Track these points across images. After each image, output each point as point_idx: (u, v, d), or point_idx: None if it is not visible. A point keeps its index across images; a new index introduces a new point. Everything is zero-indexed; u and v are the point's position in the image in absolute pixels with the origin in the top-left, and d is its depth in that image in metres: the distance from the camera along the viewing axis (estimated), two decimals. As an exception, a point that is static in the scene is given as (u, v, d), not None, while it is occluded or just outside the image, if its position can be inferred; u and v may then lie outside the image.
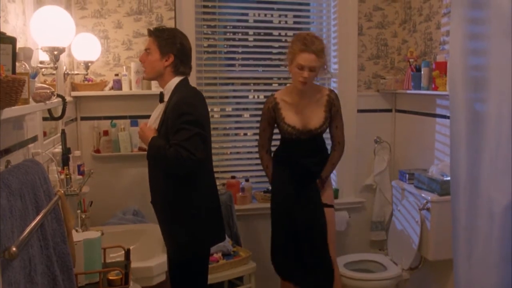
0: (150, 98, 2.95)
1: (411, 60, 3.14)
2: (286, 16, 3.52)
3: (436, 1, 3.02)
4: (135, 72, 2.98)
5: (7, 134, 1.56)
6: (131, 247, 2.07)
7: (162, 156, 2.08)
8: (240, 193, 3.32)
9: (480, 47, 2.10)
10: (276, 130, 2.72)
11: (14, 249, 1.04)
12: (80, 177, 2.33)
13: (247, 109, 3.55)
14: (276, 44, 3.50)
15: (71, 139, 2.66)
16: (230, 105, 3.50)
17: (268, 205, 2.77)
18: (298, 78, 2.52)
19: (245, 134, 3.57)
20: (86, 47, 2.72)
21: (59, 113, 2.05)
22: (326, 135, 2.74)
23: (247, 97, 3.55)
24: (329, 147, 2.79)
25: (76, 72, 2.86)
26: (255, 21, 3.52)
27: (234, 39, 3.47)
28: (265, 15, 3.51)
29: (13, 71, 1.28)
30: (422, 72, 2.95)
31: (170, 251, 2.26)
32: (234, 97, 3.49)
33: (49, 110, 2.01)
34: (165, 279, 2.26)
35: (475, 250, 2.17)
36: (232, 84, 3.47)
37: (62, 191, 1.57)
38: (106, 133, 3.02)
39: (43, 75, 2.18)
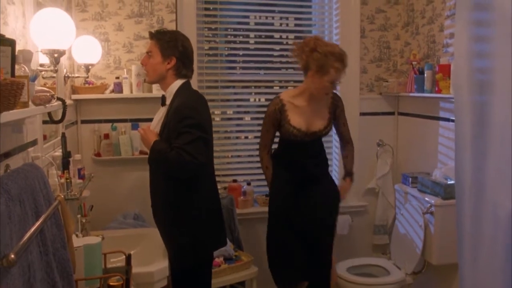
0: (151, 101, 2.94)
1: (414, 62, 3.12)
2: (287, 18, 3.50)
3: (439, 4, 3.00)
4: (136, 75, 2.96)
5: (7, 138, 1.53)
6: (131, 252, 2.05)
7: (164, 160, 2.06)
8: (241, 197, 3.30)
9: (485, 50, 2.08)
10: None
11: (12, 256, 1.01)
12: (81, 181, 2.30)
13: (248, 112, 3.52)
14: (277, 47, 3.48)
15: (71, 143, 2.64)
16: (231, 108, 3.48)
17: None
18: (324, 90, 2.53)
19: (246, 137, 3.55)
20: (86, 50, 2.69)
21: (59, 116, 2.02)
22: (325, 138, 2.77)
23: (248, 100, 3.53)
24: (327, 148, 2.77)
25: (76, 75, 2.84)
26: (256, 23, 3.51)
27: (235, 42, 3.45)
28: (266, 17, 3.49)
29: (12, 74, 1.26)
30: (425, 75, 2.93)
31: (171, 255, 2.24)
32: (235, 100, 3.47)
33: (49, 114, 1.98)
34: (166, 285, 2.23)
35: (480, 254, 2.14)
36: (233, 87, 3.45)
37: (62, 196, 1.54)
38: (106, 136, 3.00)
39: (43, 78, 2.16)
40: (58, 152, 2.22)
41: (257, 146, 2.75)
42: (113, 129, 3.00)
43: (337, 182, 3.46)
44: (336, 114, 2.69)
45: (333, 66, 2.44)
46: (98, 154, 2.99)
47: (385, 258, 3.26)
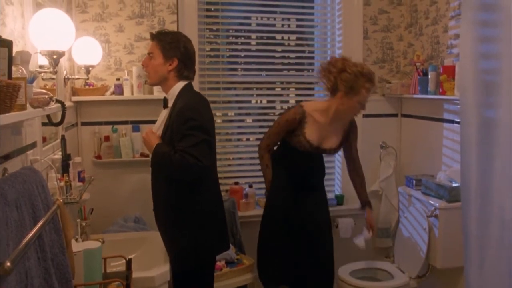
0: (152, 103, 2.92)
1: (417, 64, 3.08)
2: (289, 19, 3.47)
3: (443, 4, 2.97)
4: (137, 77, 2.93)
5: (5, 141, 1.50)
6: (132, 256, 2.03)
7: (167, 163, 2.04)
8: (243, 200, 3.27)
9: (491, 51, 2.05)
10: None
11: (8, 264, 0.98)
12: (81, 184, 2.27)
13: (249, 114, 3.50)
14: (279, 48, 3.46)
15: (71, 145, 2.61)
16: (232, 110, 3.45)
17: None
18: (353, 111, 2.52)
19: (248, 139, 3.52)
20: (87, 51, 2.67)
21: (59, 119, 1.99)
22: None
23: (249, 101, 3.50)
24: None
25: (76, 76, 2.81)
26: (258, 24, 3.48)
27: (236, 43, 3.42)
28: (268, 18, 3.46)
29: (9, 76, 1.23)
30: (429, 76, 2.90)
31: (172, 257, 2.21)
32: (237, 101, 3.44)
33: (48, 116, 1.95)
34: (167, 289, 2.20)
35: (486, 258, 2.12)
36: (235, 88, 3.42)
37: (61, 200, 1.51)
38: (107, 138, 2.97)
39: (43, 79, 2.13)
40: (58, 155, 2.19)
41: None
42: (114, 131, 2.97)
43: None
44: (349, 138, 2.70)
45: (364, 86, 2.41)
46: (98, 157, 2.96)
47: (389, 262, 3.22)
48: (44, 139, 2.09)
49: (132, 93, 2.95)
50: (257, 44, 3.44)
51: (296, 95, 3.52)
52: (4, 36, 1.33)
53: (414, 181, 3.02)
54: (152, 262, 2.27)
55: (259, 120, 3.48)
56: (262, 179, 2.76)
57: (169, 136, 2.09)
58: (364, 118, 3.41)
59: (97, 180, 2.62)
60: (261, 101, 3.54)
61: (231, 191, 3.27)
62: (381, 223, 3.47)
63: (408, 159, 3.45)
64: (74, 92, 2.89)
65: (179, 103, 2.10)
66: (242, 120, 3.50)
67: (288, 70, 3.51)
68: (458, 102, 2.64)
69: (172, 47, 2.12)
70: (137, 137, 2.96)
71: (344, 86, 2.42)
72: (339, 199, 3.45)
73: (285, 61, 3.50)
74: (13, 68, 1.28)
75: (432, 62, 3.08)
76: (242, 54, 3.42)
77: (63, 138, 2.19)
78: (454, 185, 2.68)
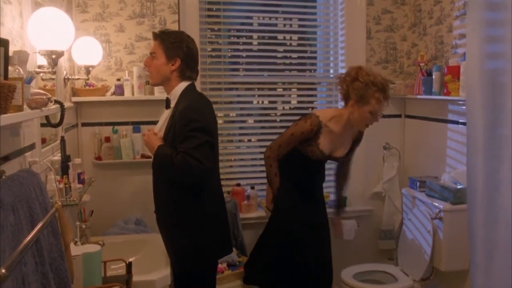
0: (153, 104, 2.89)
1: (421, 64, 3.05)
2: (291, 19, 3.43)
3: (447, 4, 2.93)
4: (138, 77, 2.90)
5: (2, 142, 1.47)
6: (132, 258, 2.00)
7: (169, 165, 2.00)
8: (245, 201, 3.23)
9: (498, 51, 2.02)
10: None
11: (3, 271, 0.94)
12: (80, 185, 2.24)
13: (251, 115, 3.46)
14: (281, 48, 3.42)
15: (71, 146, 2.58)
16: (234, 111, 3.41)
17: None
18: (365, 121, 2.46)
19: (250, 140, 3.48)
20: (87, 51, 2.63)
21: (58, 120, 1.96)
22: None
23: (251, 102, 3.47)
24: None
25: (76, 77, 2.78)
26: (260, 24, 3.45)
27: (238, 43, 3.39)
28: (270, 18, 3.43)
29: (6, 76, 1.19)
30: (433, 76, 2.86)
31: (173, 260, 2.18)
32: (238, 102, 3.41)
33: (47, 117, 1.92)
34: (168, 293, 2.17)
35: (493, 261, 2.09)
36: (236, 89, 3.38)
37: (60, 203, 1.48)
38: (107, 139, 2.94)
39: (43, 80, 2.10)
40: (58, 156, 2.16)
41: (261, 149, 2.68)
42: (114, 132, 2.94)
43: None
44: (354, 146, 2.69)
45: (374, 96, 2.36)
46: (98, 158, 2.93)
47: (392, 264, 3.18)
48: (43, 140, 2.06)
49: (133, 94, 2.92)
50: (259, 44, 3.41)
51: (298, 95, 3.49)
52: (2, 36, 1.30)
53: (418, 183, 2.98)
54: (153, 265, 2.24)
55: (260, 121, 3.45)
56: (265, 181, 2.72)
57: (171, 137, 2.05)
58: (367, 119, 3.38)
59: (97, 182, 2.59)
60: (262, 102, 3.51)
61: (233, 193, 3.24)
62: (385, 225, 3.44)
63: (412, 160, 3.41)
64: (74, 92, 2.86)
65: (181, 104, 2.07)
66: (244, 121, 3.46)
67: (290, 70, 3.48)
68: (462, 102, 2.61)
69: (175, 47, 2.09)
70: (138, 138, 2.93)
71: (355, 95, 2.39)
72: (342, 201, 3.41)
73: (287, 61, 3.47)
74: (10, 68, 1.24)
75: (436, 62, 3.04)
76: (244, 54, 3.38)
77: (62, 139, 2.16)
78: (459, 187, 2.64)
